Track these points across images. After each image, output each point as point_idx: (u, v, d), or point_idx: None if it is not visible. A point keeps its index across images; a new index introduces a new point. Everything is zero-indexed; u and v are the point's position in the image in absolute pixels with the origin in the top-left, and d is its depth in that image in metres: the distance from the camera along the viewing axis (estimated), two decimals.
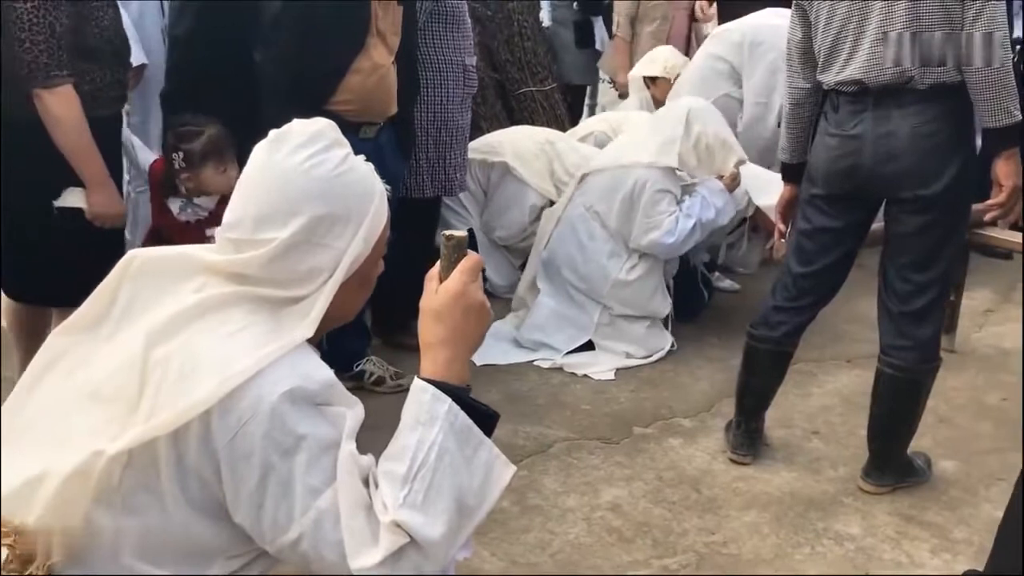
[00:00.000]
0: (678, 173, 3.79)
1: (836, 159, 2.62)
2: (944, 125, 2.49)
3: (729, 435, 3.07)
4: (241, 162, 1.36)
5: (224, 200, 2.98)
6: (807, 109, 2.79)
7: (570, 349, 3.79)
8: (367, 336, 3.57)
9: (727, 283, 4.63)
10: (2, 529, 1.18)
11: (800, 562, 2.52)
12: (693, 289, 4.23)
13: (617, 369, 3.69)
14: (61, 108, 2.54)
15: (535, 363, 3.72)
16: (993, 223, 2.69)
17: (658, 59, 4.94)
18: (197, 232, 2.91)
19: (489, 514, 1.24)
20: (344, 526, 1.15)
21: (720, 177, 3.81)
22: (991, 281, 4.75)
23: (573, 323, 3.85)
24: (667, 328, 3.91)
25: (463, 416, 1.20)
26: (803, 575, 2.46)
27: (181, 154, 2.83)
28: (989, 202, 2.50)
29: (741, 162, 3.83)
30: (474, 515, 1.21)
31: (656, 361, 3.78)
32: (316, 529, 1.16)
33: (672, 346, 3.86)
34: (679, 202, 3.74)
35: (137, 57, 3.87)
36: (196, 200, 2.91)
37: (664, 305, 3.87)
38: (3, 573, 1.16)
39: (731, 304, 4.38)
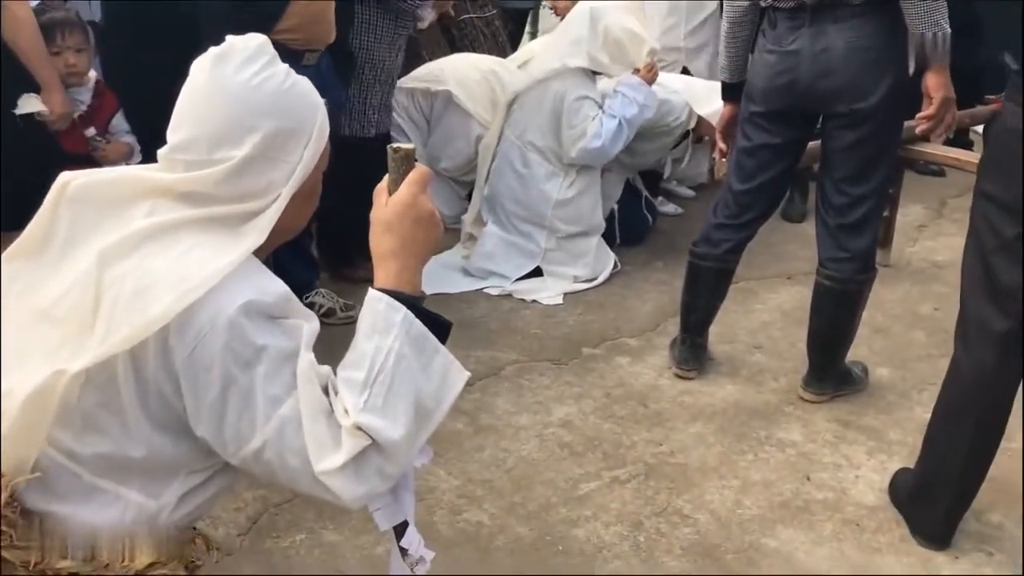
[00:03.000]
0: (595, 76, 3.82)
1: (774, 75, 2.66)
2: (878, 40, 2.54)
3: (674, 352, 3.15)
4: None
5: (101, 95, 3.06)
6: (745, 27, 2.82)
7: (519, 276, 3.83)
8: (316, 268, 3.57)
9: (671, 207, 4.70)
10: None
11: (744, 468, 2.62)
12: (637, 214, 4.29)
13: (565, 294, 3.75)
14: (23, 10, 2.71)
15: (485, 291, 3.75)
16: (925, 137, 2.76)
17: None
18: (77, 132, 2.98)
19: (443, 429, 1.27)
20: (307, 432, 1.18)
21: (636, 71, 3.83)
22: (924, 198, 4.89)
23: (521, 251, 3.89)
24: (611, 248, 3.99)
25: (418, 323, 1.23)
26: (747, 480, 2.56)
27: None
28: (920, 115, 2.56)
29: (653, 51, 3.85)
30: (432, 418, 1.25)
31: (602, 284, 3.84)
32: (279, 437, 1.19)
33: (616, 266, 3.93)
34: (600, 105, 3.77)
35: None
36: (71, 90, 2.97)
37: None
38: None
39: (675, 228, 4.45)
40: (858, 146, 2.63)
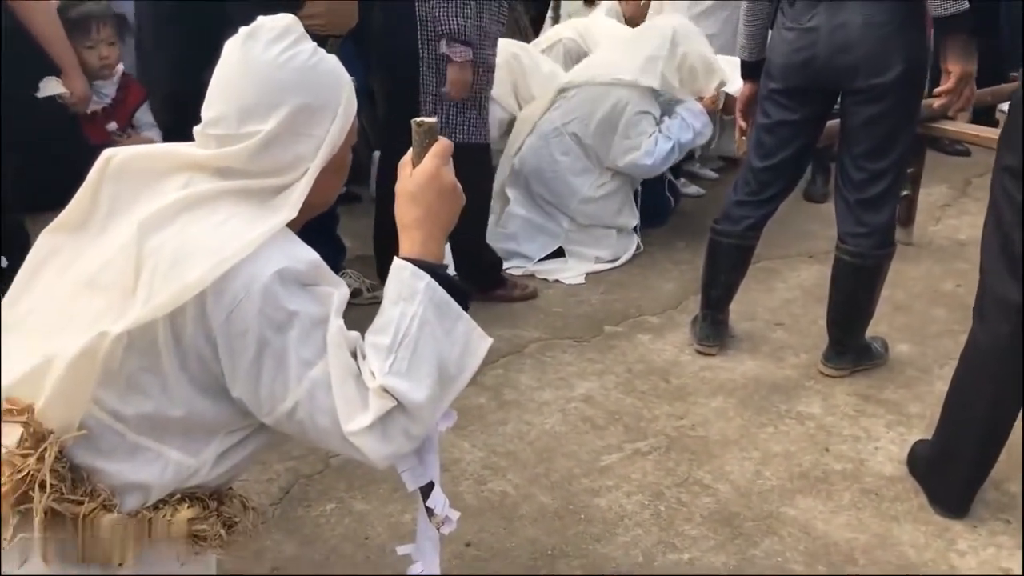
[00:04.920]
0: (658, 93, 3.84)
1: (793, 52, 2.69)
2: (896, 15, 2.56)
3: (695, 328, 3.19)
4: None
5: (126, 88, 3.08)
6: (765, 5, 2.85)
7: (541, 257, 3.89)
8: (342, 249, 3.64)
9: (693, 189, 4.73)
10: (12, 408, 1.26)
11: (764, 440, 2.66)
12: (660, 196, 4.32)
13: (587, 274, 3.80)
14: None
15: (508, 270, 3.80)
16: (945, 112, 2.78)
17: None
18: (100, 125, 3.03)
19: (467, 403, 1.31)
20: (336, 393, 1.24)
21: (700, 99, 3.87)
22: (948, 177, 4.89)
23: (543, 231, 3.94)
24: (635, 233, 4.02)
25: (441, 291, 1.28)
26: (767, 452, 2.61)
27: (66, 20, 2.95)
28: (939, 89, 2.58)
29: (722, 84, 3.88)
30: (455, 383, 1.30)
31: (624, 265, 3.89)
32: (310, 398, 1.25)
33: (638, 248, 3.97)
34: (658, 123, 3.81)
35: None
36: (96, 83, 3.02)
37: (631, 218, 3.99)
38: (18, 451, 1.24)
39: (697, 209, 4.48)
40: (876, 121, 2.66)
